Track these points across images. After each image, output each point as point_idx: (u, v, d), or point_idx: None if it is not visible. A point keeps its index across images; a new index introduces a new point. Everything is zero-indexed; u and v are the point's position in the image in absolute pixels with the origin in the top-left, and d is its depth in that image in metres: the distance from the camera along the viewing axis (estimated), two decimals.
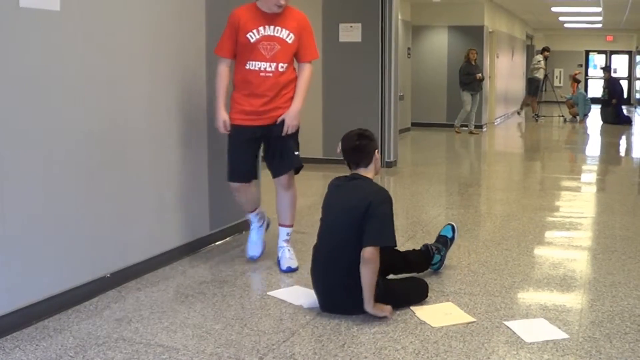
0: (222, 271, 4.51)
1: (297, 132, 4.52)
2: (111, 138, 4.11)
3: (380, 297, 3.67)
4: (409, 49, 14.21)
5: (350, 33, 9.26)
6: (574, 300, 4.08)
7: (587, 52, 26.66)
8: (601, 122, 17.13)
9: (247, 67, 4.35)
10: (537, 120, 17.36)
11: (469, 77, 13.85)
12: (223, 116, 4.42)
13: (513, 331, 3.52)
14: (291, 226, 4.68)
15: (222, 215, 5.23)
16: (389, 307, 3.69)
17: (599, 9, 16.66)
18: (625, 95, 20.16)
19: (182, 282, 4.29)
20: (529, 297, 4.17)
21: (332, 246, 3.73)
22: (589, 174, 9.81)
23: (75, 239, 3.85)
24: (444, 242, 4.52)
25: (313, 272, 3.85)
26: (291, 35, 4.39)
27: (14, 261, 3.45)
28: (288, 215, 4.65)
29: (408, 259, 4.23)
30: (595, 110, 18.29)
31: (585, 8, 16.88)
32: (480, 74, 13.96)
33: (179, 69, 4.71)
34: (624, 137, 14.84)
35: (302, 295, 3.99)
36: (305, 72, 4.51)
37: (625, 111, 18.24)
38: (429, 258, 4.36)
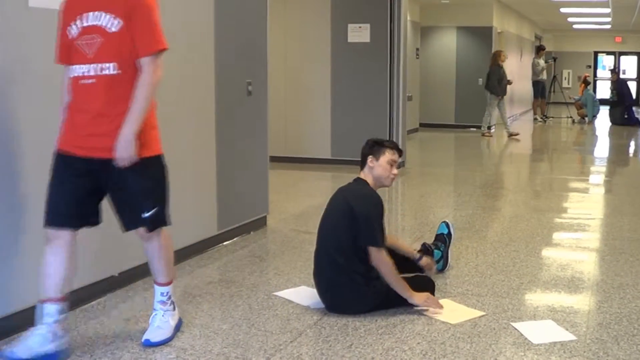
0: (229, 271, 4.51)
1: (157, 179, 3.24)
2: None
3: (385, 295, 3.73)
4: (417, 49, 14.18)
5: (359, 33, 9.25)
6: (581, 301, 4.07)
7: (596, 53, 26.55)
8: (610, 124, 17.06)
9: (69, 75, 3.16)
10: (544, 122, 17.32)
11: (502, 83, 13.24)
12: None
13: (520, 332, 3.52)
14: (167, 284, 3.45)
15: (230, 216, 5.24)
16: (433, 299, 3.80)
17: (608, 10, 16.60)
18: (634, 96, 20.08)
19: (189, 282, 4.30)
20: (536, 298, 4.16)
21: (327, 246, 3.81)
22: (598, 176, 9.78)
23: (83, 238, 3.86)
24: (442, 239, 4.59)
25: (314, 273, 3.91)
26: (116, 20, 3.05)
27: (20, 261, 3.46)
28: (158, 270, 3.44)
29: (408, 258, 4.24)
30: (604, 112, 18.21)
31: (594, 9, 16.84)
32: (510, 79, 13.77)
33: (188, 73, 4.72)
34: (632, 139, 14.78)
35: (309, 295, 4.00)
36: (144, 74, 3.07)
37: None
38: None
